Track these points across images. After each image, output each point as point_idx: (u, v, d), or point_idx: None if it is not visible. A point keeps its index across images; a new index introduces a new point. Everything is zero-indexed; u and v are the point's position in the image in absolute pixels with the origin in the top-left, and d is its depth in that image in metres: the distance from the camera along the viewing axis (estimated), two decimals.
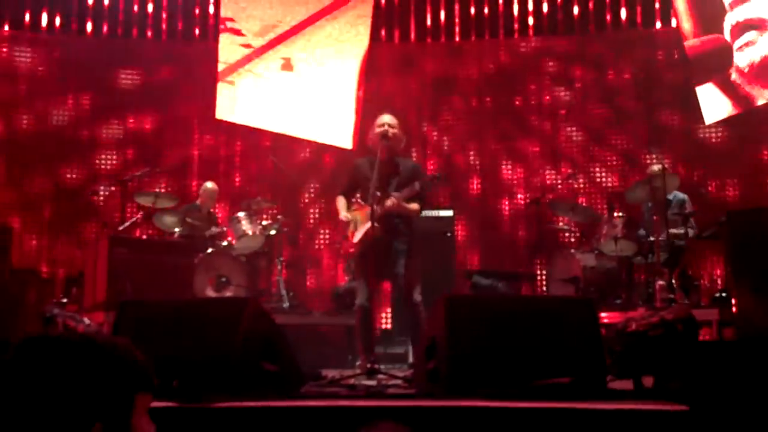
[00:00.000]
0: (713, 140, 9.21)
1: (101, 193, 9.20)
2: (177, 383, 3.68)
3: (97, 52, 9.78)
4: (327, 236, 9.70)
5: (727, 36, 8.66)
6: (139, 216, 8.04)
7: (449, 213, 8.24)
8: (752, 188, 8.90)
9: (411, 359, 6.90)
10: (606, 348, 3.93)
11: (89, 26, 9.86)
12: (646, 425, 3.16)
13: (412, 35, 10.12)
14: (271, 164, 9.10)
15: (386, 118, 5.63)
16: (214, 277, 7.52)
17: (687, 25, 8.90)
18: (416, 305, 5.38)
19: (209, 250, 7.65)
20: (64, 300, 7.58)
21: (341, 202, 5.67)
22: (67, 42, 9.81)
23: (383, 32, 10.04)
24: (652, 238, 7.20)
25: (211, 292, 7.45)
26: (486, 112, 9.94)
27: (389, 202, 5.33)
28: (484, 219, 9.65)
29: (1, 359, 1.41)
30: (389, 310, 8.12)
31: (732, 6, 8.65)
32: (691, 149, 9.19)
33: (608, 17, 9.74)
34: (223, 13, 9.61)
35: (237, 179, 9.92)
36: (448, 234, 8.11)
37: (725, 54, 8.63)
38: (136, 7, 9.94)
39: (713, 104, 8.67)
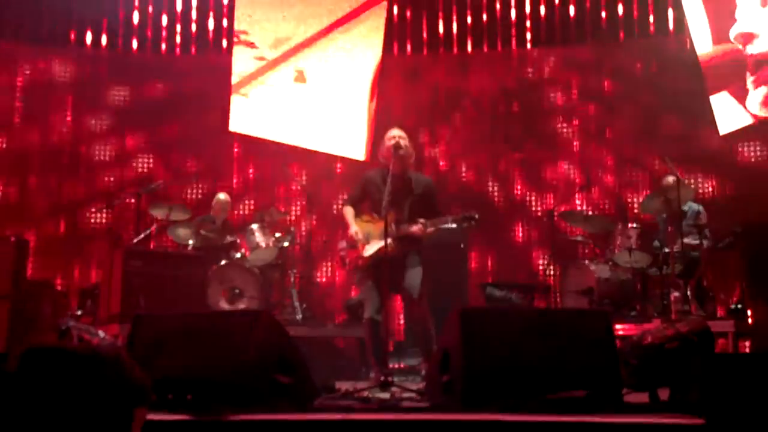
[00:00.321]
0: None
1: (116, 203, 9.26)
2: (191, 396, 3.69)
3: (112, 65, 9.89)
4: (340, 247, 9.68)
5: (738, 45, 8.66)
6: (153, 228, 8.06)
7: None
8: None
9: (424, 371, 6.88)
10: (621, 360, 3.91)
11: (104, 39, 9.97)
12: None
13: (424, 46, 10.13)
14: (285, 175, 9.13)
15: (396, 132, 5.63)
16: (227, 289, 7.53)
17: (701, 35, 8.87)
18: (425, 320, 5.36)
19: (223, 262, 7.66)
20: (79, 312, 7.61)
21: (350, 213, 5.64)
22: (81, 55, 9.92)
23: (395, 44, 10.05)
24: (666, 250, 7.16)
25: (224, 304, 7.46)
26: (499, 122, 9.92)
27: (415, 228, 5.32)
28: (497, 230, 9.61)
29: (4, 370, 1.40)
30: (401, 322, 8.10)
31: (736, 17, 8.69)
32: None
33: (621, 27, 9.71)
34: (237, 26, 9.67)
35: (249, 190, 9.96)
36: (462, 245, 8.09)
37: (740, 64, 8.61)
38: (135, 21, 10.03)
39: (728, 114, 8.63)
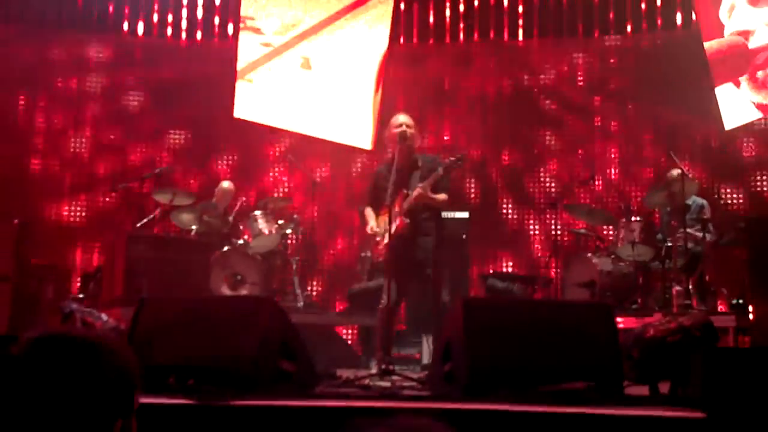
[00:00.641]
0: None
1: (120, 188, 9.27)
2: (193, 381, 3.70)
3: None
4: (345, 236, 9.71)
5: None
6: (156, 213, 8.07)
7: (465, 215, 8.21)
8: None
9: (424, 361, 6.89)
10: (623, 353, 3.91)
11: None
12: None
13: (430, 36, 10.10)
14: (289, 163, 9.12)
15: (402, 118, 5.61)
16: (229, 275, 7.55)
17: (707, 28, 8.86)
18: (444, 307, 5.35)
19: (225, 248, 7.68)
20: (81, 295, 7.63)
21: (368, 212, 5.65)
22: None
23: (402, 32, 10.03)
24: (669, 243, 7.16)
25: (226, 290, 7.48)
26: (503, 115, 9.90)
27: (415, 193, 5.29)
28: (499, 221, 9.62)
29: (12, 354, 1.40)
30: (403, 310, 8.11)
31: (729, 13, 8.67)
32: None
33: (629, 20, 9.68)
34: (243, 11, 9.64)
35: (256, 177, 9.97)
36: (464, 236, 8.08)
37: (745, 57, 8.59)
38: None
39: (734, 108, 8.61)
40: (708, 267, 7.40)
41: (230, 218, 8.18)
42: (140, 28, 10.04)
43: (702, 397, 3.32)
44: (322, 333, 7.57)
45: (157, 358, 3.69)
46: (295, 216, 8.39)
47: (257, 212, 7.94)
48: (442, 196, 5.41)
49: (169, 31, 10.11)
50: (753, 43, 8.55)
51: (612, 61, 9.78)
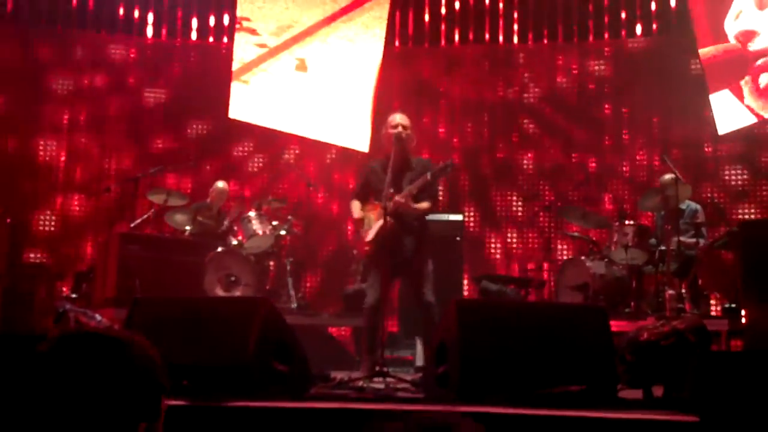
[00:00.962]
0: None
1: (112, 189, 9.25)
2: (187, 382, 3.69)
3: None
4: (339, 238, 9.71)
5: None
6: (150, 213, 8.05)
7: (459, 217, 8.23)
8: None
9: (418, 363, 6.89)
10: (616, 356, 3.92)
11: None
12: None
13: (425, 39, 10.11)
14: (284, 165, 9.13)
15: (399, 118, 5.59)
16: (223, 276, 7.53)
17: (703, 34, 8.88)
18: (429, 305, 5.33)
19: (219, 249, 7.66)
20: (74, 295, 7.60)
21: (356, 205, 5.66)
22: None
23: (397, 35, 10.03)
24: (663, 247, 7.18)
25: (220, 291, 7.46)
26: (497, 117, 9.92)
27: (398, 197, 5.26)
28: (492, 224, 9.63)
29: (39, 351, 1.39)
30: (396, 313, 8.11)
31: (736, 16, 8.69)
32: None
33: (623, 26, 9.72)
34: (239, 12, 9.63)
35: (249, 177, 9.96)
36: (458, 238, 8.09)
37: (741, 63, 8.62)
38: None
39: (728, 114, 8.64)
40: (701, 271, 7.41)
41: (226, 222, 8.16)
42: (149, 30, 10.06)
43: (695, 401, 3.32)
44: (316, 334, 7.56)
45: None
46: (289, 217, 8.37)
47: (251, 213, 7.92)
48: (424, 205, 5.38)
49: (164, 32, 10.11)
50: (756, 46, 8.57)
51: (606, 65, 9.80)
